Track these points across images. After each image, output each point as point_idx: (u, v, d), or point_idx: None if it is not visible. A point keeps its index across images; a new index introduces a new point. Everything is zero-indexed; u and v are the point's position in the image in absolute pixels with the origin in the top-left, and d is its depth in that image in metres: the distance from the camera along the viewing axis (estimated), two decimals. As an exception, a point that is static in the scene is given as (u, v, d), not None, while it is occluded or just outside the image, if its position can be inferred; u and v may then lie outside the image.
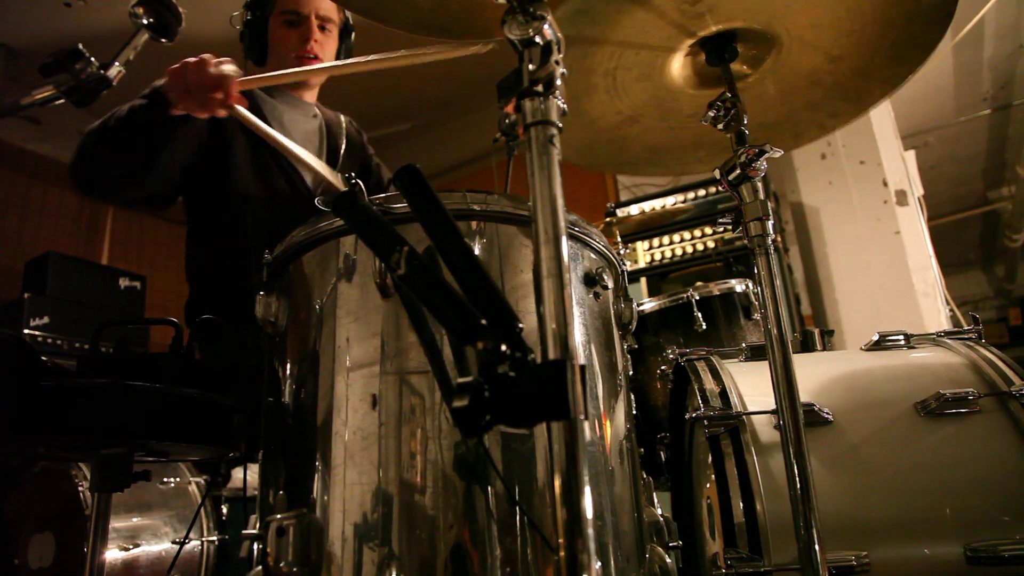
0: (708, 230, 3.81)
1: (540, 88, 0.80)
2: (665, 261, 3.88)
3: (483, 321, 0.74)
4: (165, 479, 2.22)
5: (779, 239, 3.67)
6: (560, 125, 0.80)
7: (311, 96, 2.27)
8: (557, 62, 0.80)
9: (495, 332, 0.72)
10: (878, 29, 1.30)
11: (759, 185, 1.26)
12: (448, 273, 0.80)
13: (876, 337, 1.56)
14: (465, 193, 1.06)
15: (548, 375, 0.68)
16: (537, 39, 0.82)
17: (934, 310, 3.70)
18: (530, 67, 0.81)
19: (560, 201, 0.75)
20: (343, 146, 2.27)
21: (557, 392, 0.67)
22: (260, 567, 0.97)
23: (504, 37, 0.84)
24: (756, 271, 1.24)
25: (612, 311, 1.22)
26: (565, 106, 0.82)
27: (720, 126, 1.32)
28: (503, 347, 0.71)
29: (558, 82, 0.81)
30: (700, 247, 3.80)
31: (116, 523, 2.03)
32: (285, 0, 2.07)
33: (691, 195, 3.91)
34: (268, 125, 1.95)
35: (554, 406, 0.67)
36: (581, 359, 0.69)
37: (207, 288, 2.07)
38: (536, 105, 0.80)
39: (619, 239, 2.68)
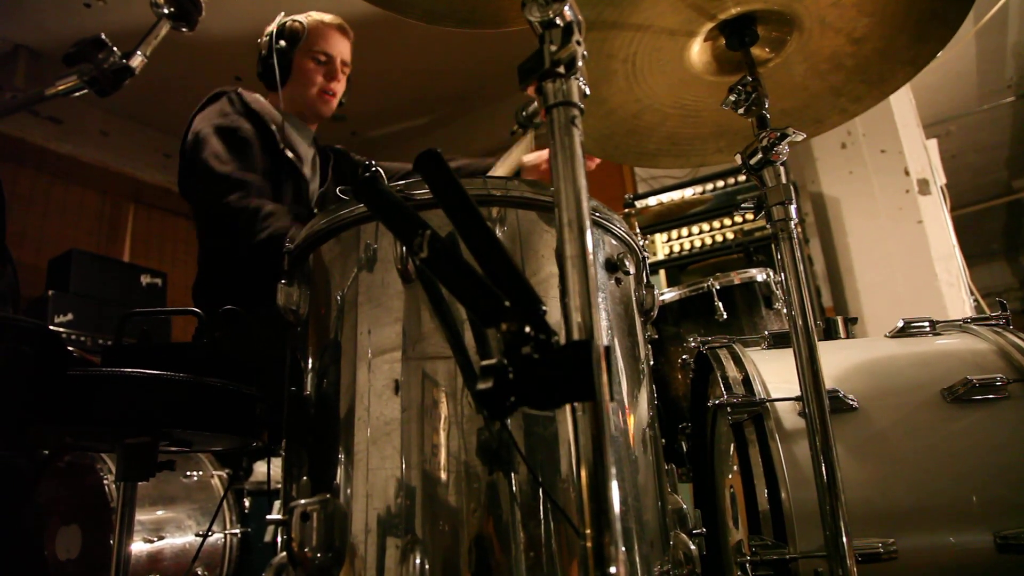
0: (727, 221, 3.78)
1: (562, 69, 0.80)
2: (684, 253, 3.86)
3: (506, 303, 0.73)
4: (188, 473, 2.24)
5: (799, 230, 3.65)
6: (582, 106, 0.80)
7: (314, 126, 2.46)
8: (578, 42, 0.80)
9: (519, 314, 0.72)
10: (901, 7, 1.28)
11: (781, 169, 1.25)
12: (470, 258, 0.79)
13: (901, 324, 1.55)
14: (485, 179, 1.06)
15: (573, 356, 0.67)
16: (558, 20, 0.82)
17: (958, 300, 3.64)
18: (551, 48, 0.80)
19: (583, 182, 0.75)
20: (330, 163, 2.48)
21: (582, 373, 0.66)
22: (285, 553, 0.98)
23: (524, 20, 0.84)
24: (779, 257, 1.23)
25: (634, 297, 1.22)
26: (587, 88, 0.81)
27: (741, 110, 1.30)
28: (527, 329, 0.71)
29: (579, 63, 0.80)
30: (719, 238, 3.77)
31: (141, 516, 2.05)
32: (317, 40, 2.32)
33: (710, 186, 3.88)
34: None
35: (579, 387, 0.67)
36: (604, 342, 0.69)
37: (220, 274, 2.14)
38: (558, 86, 0.79)
39: (638, 231, 2.66)
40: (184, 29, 1.18)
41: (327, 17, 2.38)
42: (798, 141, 1.23)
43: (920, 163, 3.98)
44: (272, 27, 2.31)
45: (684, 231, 3.88)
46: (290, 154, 2.21)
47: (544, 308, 0.72)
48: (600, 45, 1.33)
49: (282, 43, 2.28)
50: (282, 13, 2.33)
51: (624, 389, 1.10)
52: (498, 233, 1.05)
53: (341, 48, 2.38)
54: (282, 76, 2.28)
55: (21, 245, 4.92)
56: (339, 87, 2.39)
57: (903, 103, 4.04)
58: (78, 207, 5.46)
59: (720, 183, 3.85)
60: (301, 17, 2.34)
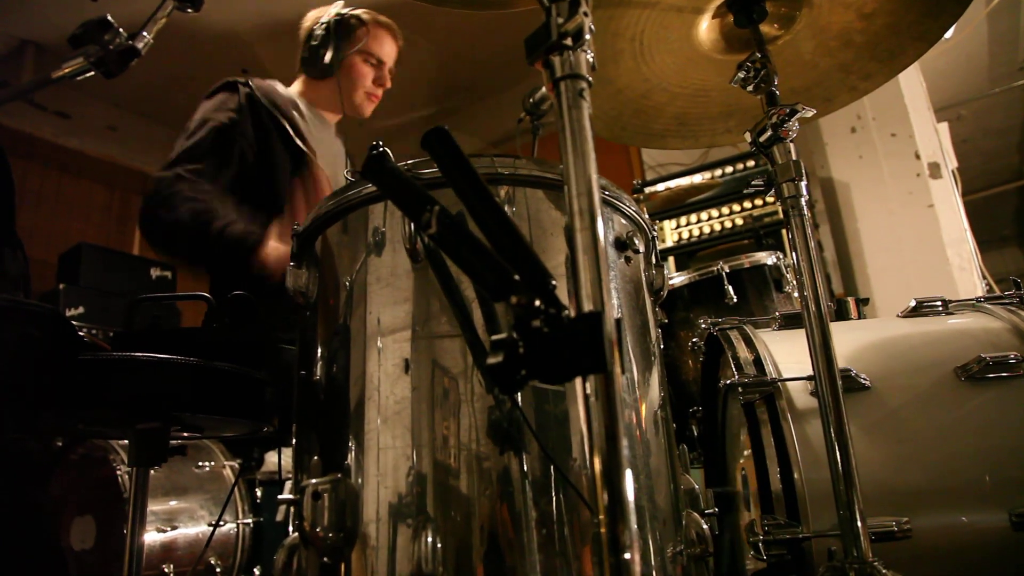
0: (736, 207, 3.74)
1: (569, 41, 0.79)
2: (693, 239, 3.83)
3: (516, 277, 0.73)
4: (200, 463, 2.25)
5: (809, 212, 3.61)
6: (590, 79, 0.79)
7: (333, 118, 2.45)
8: (586, 13, 0.79)
9: (529, 287, 0.71)
10: (912, -19, 1.26)
11: (791, 147, 1.24)
12: (479, 236, 0.79)
13: (913, 303, 1.53)
14: (493, 158, 1.05)
15: (583, 327, 0.67)
16: (564, -6, 0.81)
17: (970, 284, 3.62)
18: (558, 20, 0.79)
19: (592, 154, 0.74)
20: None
21: (593, 344, 0.66)
22: (297, 533, 0.98)
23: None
24: (790, 236, 1.22)
25: (644, 277, 1.21)
26: (594, 60, 0.80)
27: (750, 88, 1.29)
28: (537, 302, 0.70)
29: (587, 35, 0.79)
30: (728, 224, 3.74)
31: (154, 506, 2.06)
32: (372, 43, 2.33)
33: (718, 172, 3.85)
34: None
35: (591, 359, 0.66)
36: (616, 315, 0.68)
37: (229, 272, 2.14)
38: (565, 58, 0.78)
39: (647, 217, 2.65)
40: (190, 10, 1.17)
41: (382, 18, 2.38)
42: (808, 117, 1.21)
43: (931, 147, 3.94)
44: (328, 16, 2.28)
45: (693, 217, 3.84)
46: (303, 146, 2.20)
47: (554, 283, 0.72)
48: (607, 23, 1.32)
49: (334, 39, 2.26)
50: (340, 3, 2.31)
51: (635, 368, 1.10)
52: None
53: (391, 53, 2.40)
54: (331, 69, 2.28)
55: (31, 240, 4.93)
56: (382, 91, 2.42)
57: (913, 86, 4.00)
58: (87, 201, 5.49)
59: (728, 168, 3.81)
60: (360, 13, 2.32)
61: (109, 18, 1.07)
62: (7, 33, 4.78)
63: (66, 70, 1.06)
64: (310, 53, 2.28)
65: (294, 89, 2.38)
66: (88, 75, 1.07)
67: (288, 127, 2.18)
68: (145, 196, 1.99)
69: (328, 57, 2.25)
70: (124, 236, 5.65)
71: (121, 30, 1.07)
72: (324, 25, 2.26)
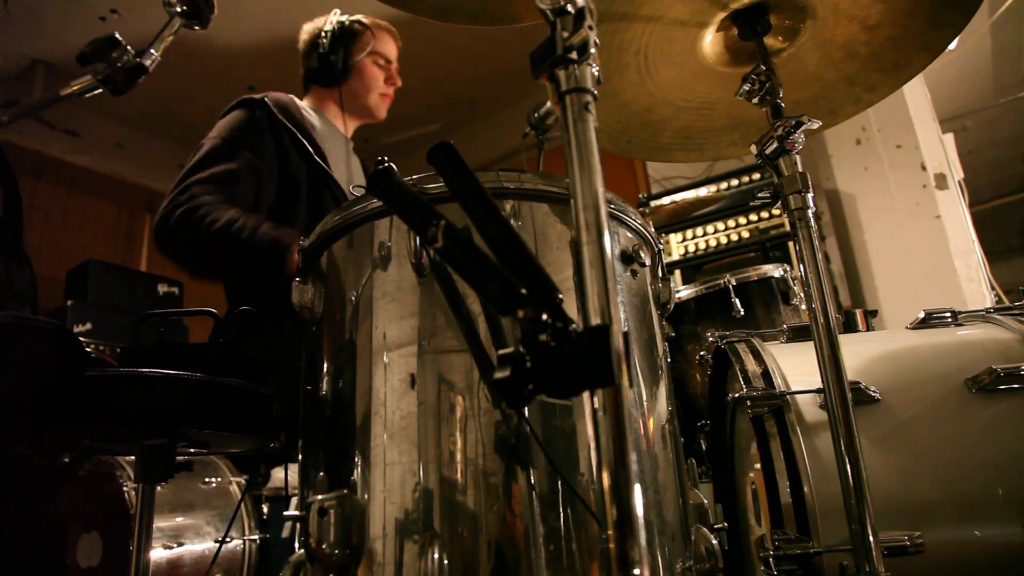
0: (742, 220, 3.73)
1: (574, 55, 0.79)
2: (699, 253, 3.82)
3: (522, 291, 0.73)
4: (207, 479, 2.25)
5: (816, 227, 3.60)
6: (595, 92, 0.79)
7: (352, 125, 2.50)
8: (591, 27, 0.79)
9: (535, 301, 0.71)
10: (916, -8, 1.26)
11: (797, 158, 1.24)
12: (485, 250, 0.79)
13: (922, 315, 1.52)
14: (498, 172, 1.05)
15: (591, 341, 0.66)
16: (569, 7, 0.81)
17: (979, 295, 3.60)
18: (563, 35, 0.80)
19: (597, 167, 0.74)
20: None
21: (600, 358, 0.65)
22: (303, 550, 0.97)
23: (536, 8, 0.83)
24: (797, 248, 1.21)
25: (650, 290, 1.21)
26: (599, 72, 0.80)
27: (755, 100, 1.29)
28: (544, 316, 0.70)
29: (592, 49, 0.80)
30: (735, 237, 3.73)
31: (160, 522, 2.06)
32: (378, 44, 2.40)
33: (724, 185, 3.84)
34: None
35: (598, 372, 0.65)
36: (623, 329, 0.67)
37: (246, 286, 2.13)
38: (570, 72, 0.78)
39: (653, 230, 2.65)
40: (197, 27, 1.18)
41: (381, 22, 2.44)
42: (814, 129, 1.21)
43: (937, 158, 3.94)
44: (329, 25, 2.32)
45: (699, 231, 3.84)
46: (321, 163, 2.20)
47: (561, 297, 0.72)
48: (612, 37, 1.33)
49: (342, 44, 2.31)
50: (336, 11, 2.36)
51: (642, 382, 1.09)
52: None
53: (395, 53, 2.47)
54: (342, 75, 2.33)
55: (39, 257, 4.97)
56: (393, 90, 2.48)
57: (918, 97, 4.00)
58: (95, 218, 5.53)
59: (734, 181, 3.81)
60: (360, 18, 2.38)
61: (117, 36, 1.07)
62: (18, 52, 4.83)
63: (74, 87, 1.07)
64: (320, 62, 2.31)
65: (305, 104, 2.40)
66: (96, 92, 1.08)
67: (307, 143, 2.20)
68: (162, 210, 1.94)
69: (341, 63, 2.29)
70: (132, 253, 5.69)
71: (129, 48, 1.08)
72: (329, 33, 2.30)
